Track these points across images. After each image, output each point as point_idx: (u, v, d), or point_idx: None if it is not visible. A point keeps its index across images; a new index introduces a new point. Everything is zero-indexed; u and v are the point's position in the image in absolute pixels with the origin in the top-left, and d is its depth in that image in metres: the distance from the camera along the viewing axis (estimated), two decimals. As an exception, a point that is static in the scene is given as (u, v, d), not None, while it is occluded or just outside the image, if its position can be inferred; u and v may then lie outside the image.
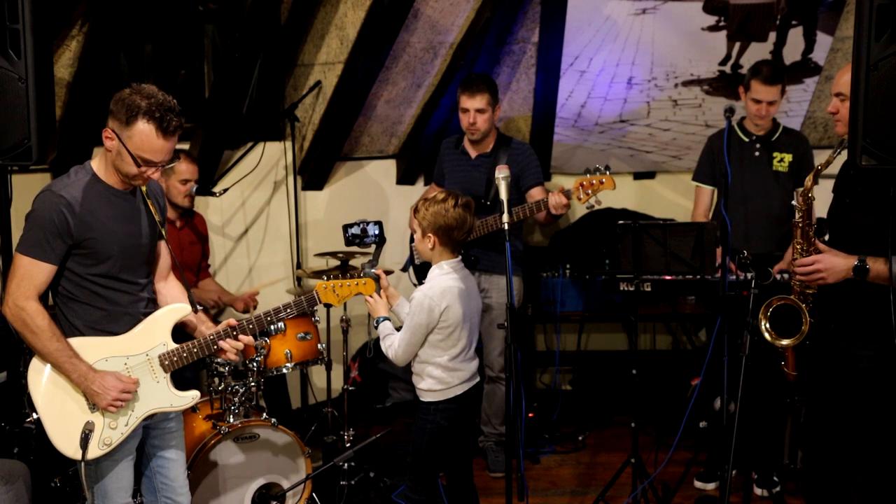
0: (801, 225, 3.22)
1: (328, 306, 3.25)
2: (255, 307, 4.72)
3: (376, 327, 3.46)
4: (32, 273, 2.82)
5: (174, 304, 3.08)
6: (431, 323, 3.32)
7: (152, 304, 3.08)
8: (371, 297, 3.41)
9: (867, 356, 3.03)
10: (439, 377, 3.37)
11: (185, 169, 4.40)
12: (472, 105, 4.52)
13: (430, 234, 3.36)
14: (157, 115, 2.78)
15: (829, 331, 3.16)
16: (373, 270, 3.42)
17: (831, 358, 3.15)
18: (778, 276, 3.65)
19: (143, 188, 3.01)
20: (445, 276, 3.38)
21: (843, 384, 3.10)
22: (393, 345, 3.38)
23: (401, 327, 3.42)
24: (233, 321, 3.09)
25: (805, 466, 4.07)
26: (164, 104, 2.80)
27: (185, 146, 4.95)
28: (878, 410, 3.03)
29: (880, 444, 3.05)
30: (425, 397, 3.40)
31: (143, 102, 2.79)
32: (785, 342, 3.23)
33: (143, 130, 2.79)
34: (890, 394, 2.98)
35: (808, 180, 3.22)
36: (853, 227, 3.10)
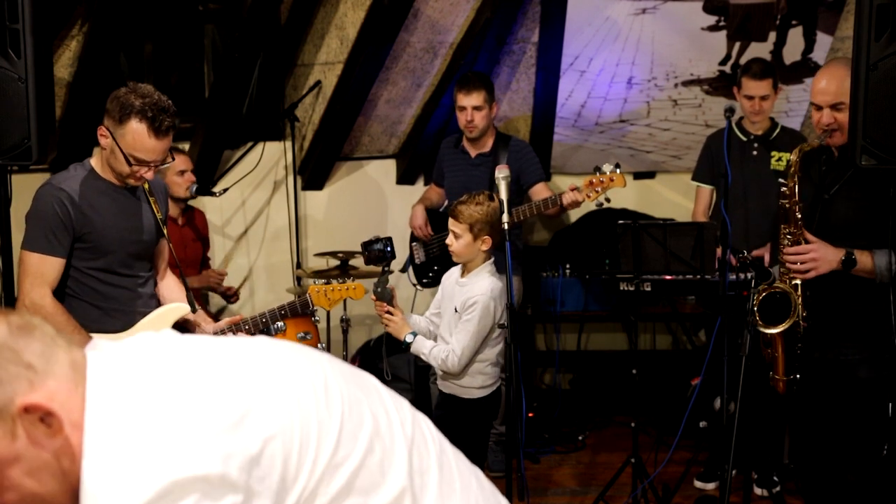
0: (788, 206, 3.07)
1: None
2: (233, 295, 4.79)
3: (406, 348, 3.41)
4: (43, 269, 2.80)
5: (173, 304, 3.08)
6: (492, 323, 3.37)
7: (152, 301, 3.06)
8: (391, 319, 3.36)
9: (860, 359, 3.03)
10: (490, 373, 3.44)
11: (179, 160, 4.35)
12: (469, 102, 4.51)
13: (486, 236, 3.36)
14: (149, 114, 2.77)
15: (818, 337, 3.12)
16: (388, 287, 3.35)
17: (826, 368, 3.13)
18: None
19: (146, 185, 3.01)
20: (494, 277, 3.42)
21: (843, 395, 3.09)
22: (450, 356, 3.33)
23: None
24: (236, 318, 3.14)
25: (798, 467, 4.07)
26: (159, 104, 2.79)
27: (185, 146, 4.95)
28: (875, 414, 3.03)
29: (874, 446, 3.05)
30: (476, 395, 3.43)
31: (138, 102, 2.78)
32: (773, 330, 3.10)
33: (136, 129, 2.78)
34: (885, 397, 2.98)
35: (794, 158, 3.08)
36: (835, 222, 3.07)
